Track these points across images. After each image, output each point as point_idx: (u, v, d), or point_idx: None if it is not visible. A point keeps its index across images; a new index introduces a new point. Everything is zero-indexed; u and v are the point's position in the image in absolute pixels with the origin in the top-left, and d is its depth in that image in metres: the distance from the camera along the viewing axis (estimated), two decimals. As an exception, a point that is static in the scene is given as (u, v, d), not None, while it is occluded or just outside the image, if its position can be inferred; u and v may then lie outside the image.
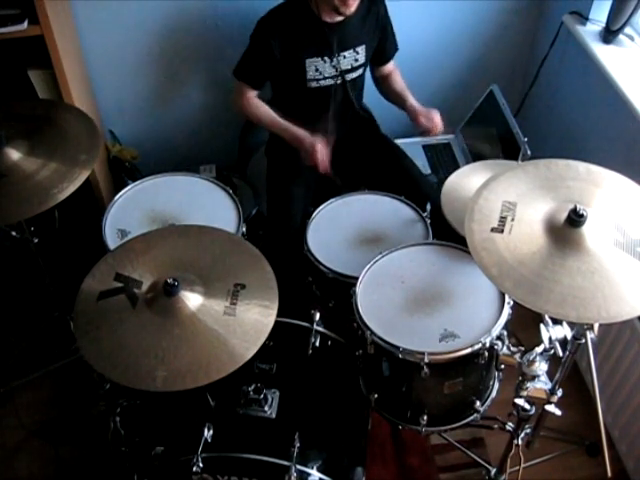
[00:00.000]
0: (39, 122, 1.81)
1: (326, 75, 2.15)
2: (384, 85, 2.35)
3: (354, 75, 2.20)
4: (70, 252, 2.32)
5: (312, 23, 2.07)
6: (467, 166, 2.00)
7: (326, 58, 2.12)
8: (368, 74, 2.32)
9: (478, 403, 1.69)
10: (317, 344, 1.79)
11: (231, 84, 2.20)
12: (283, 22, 2.06)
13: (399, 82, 2.33)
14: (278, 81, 2.24)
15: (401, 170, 2.26)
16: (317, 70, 2.13)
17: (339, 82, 2.18)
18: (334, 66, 2.13)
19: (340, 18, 2.06)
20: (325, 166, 2.05)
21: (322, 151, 2.04)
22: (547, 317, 1.46)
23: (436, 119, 2.16)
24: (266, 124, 2.20)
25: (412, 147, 2.54)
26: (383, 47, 2.25)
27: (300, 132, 2.09)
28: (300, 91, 2.17)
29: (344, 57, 2.14)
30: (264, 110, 2.19)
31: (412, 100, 2.24)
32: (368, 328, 1.60)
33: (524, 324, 1.67)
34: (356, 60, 2.17)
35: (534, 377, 1.52)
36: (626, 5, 2.12)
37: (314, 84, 2.15)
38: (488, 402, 1.73)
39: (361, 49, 2.16)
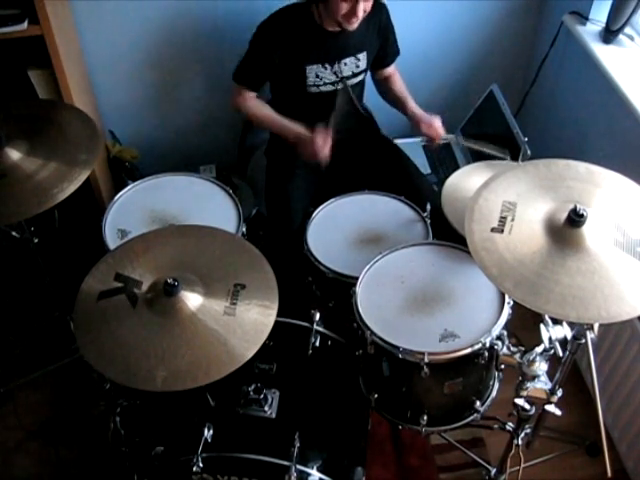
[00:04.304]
0: (39, 122, 1.80)
1: (326, 81, 2.15)
2: (384, 87, 2.35)
3: (355, 81, 2.20)
4: (70, 252, 2.32)
5: (313, 30, 2.07)
6: (467, 166, 2.00)
7: (327, 65, 2.11)
8: (368, 75, 2.31)
9: (478, 403, 1.69)
10: (317, 344, 1.79)
11: (230, 83, 2.19)
12: (284, 28, 2.06)
13: (399, 85, 2.33)
14: (277, 86, 2.23)
15: (401, 170, 2.26)
16: (317, 76, 2.12)
17: (340, 87, 2.18)
18: (335, 72, 2.13)
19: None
20: (323, 154, 2.03)
21: (321, 140, 2.02)
22: (547, 317, 1.46)
23: (438, 127, 2.16)
24: (265, 123, 2.20)
25: (412, 147, 2.54)
26: (384, 52, 2.25)
27: (298, 128, 2.09)
28: (300, 96, 2.16)
29: (345, 64, 2.14)
30: (263, 110, 2.19)
31: (413, 105, 2.23)
32: (368, 328, 1.60)
33: (524, 324, 1.67)
34: (357, 67, 2.17)
35: (534, 377, 1.52)
36: (626, 5, 2.12)
37: (314, 89, 2.15)
38: (488, 402, 1.73)
39: (362, 56, 2.16)
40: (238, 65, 2.16)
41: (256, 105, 2.20)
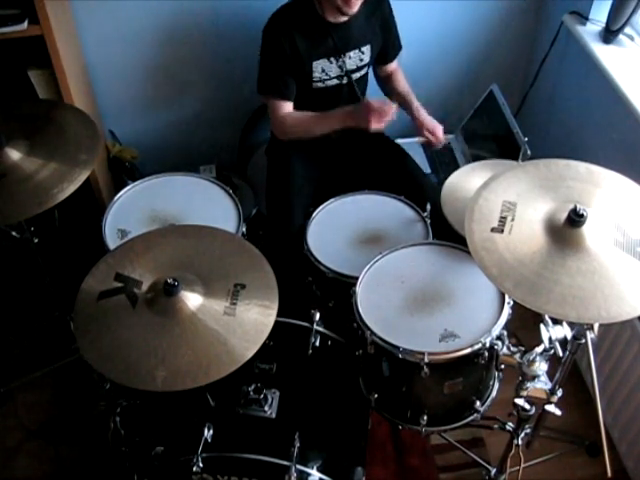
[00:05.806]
0: (39, 122, 1.80)
1: (332, 75, 2.14)
2: (387, 85, 2.35)
3: (359, 74, 2.20)
4: (70, 252, 2.32)
5: (317, 24, 2.06)
6: (467, 166, 2.00)
7: (332, 59, 2.11)
8: (371, 73, 2.31)
9: (478, 403, 1.69)
10: (317, 344, 1.78)
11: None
12: (289, 24, 2.05)
13: (402, 83, 2.32)
14: None
15: (401, 170, 2.26)
16: (323, 71, 2.12)
17: (345, 82, 2.18)
18: (340, 66, 2.13)
19: (344, 18, 2.05)
20: (383, 110, 1.98)
21: (372, 103, 1.99)
22: (547, 317, 1.46)
23: (439, 135, 2.16)
24: (313, 129, 2.11)
25: (412, 147, 2.53)
26: (387, 47, 2.25)
27: (345, 109, 2.05)
28: (305, 91, 2.16)
29: (349, 57, 2.14)
30: (304, 118, 2.12)
31: (417, 106, 2.22)
32: (368, 328, 1.60)
33: (524, 324, 1.67)
34: (361, 60, 2.17)
35: (534, 377, 1.52)
36: (626, 5, 2.12)
37: (320, 84, 2.15)
38: (488, 402, 1.73)
39: (366, 49, 2.16)
40: (258, 77, 2.13)
41: (294, 117, 2.12)
